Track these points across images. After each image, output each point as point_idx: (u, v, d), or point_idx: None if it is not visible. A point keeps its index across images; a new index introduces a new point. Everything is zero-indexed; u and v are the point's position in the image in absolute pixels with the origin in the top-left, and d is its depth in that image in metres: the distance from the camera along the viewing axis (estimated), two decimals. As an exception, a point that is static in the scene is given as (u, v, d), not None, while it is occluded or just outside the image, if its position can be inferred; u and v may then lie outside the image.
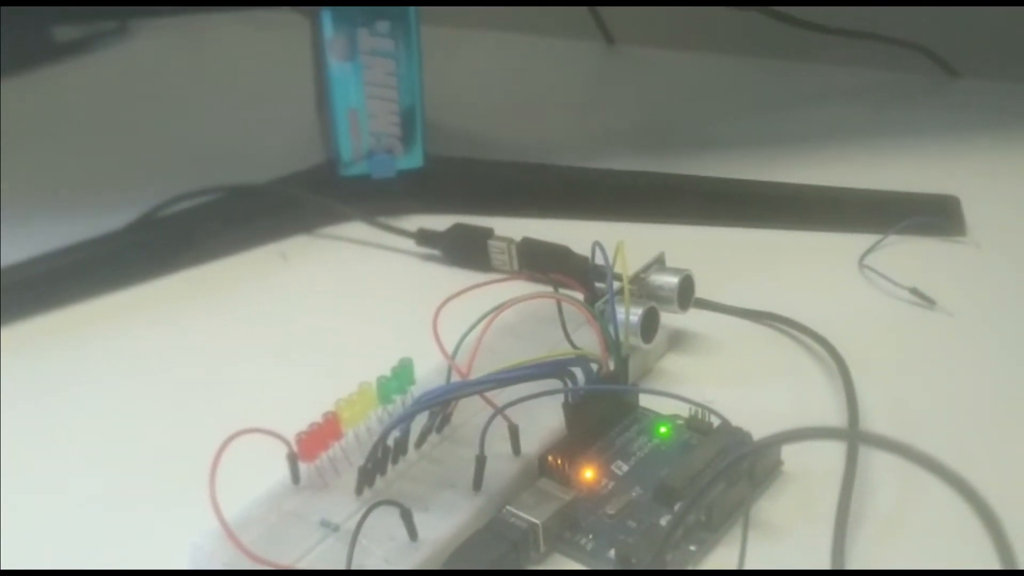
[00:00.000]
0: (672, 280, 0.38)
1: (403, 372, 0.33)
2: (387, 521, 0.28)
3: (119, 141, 0.65)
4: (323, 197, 0.51)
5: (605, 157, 0.54)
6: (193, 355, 0.42)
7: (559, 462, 0.31)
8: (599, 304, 0.36)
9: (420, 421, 0.31)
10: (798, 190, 0.49)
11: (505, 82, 0.73)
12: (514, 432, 0.31)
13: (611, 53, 0.77)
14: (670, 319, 0.38)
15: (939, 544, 0.29)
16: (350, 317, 0.44)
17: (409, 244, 0.48)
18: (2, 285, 0.45)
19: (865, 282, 0.43)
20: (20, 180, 0.58)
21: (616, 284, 0.36)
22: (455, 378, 0.33)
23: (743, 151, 0.57)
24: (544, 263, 0.43)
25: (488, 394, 0.31)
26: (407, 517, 0.28)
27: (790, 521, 0.30)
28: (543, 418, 0.32)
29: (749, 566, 0.28)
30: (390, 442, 0.30)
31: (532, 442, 0.32)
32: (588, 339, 0.35)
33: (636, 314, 0.36)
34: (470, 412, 0.32)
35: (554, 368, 0.31)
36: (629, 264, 0.36)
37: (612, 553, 0.29)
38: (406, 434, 0.31)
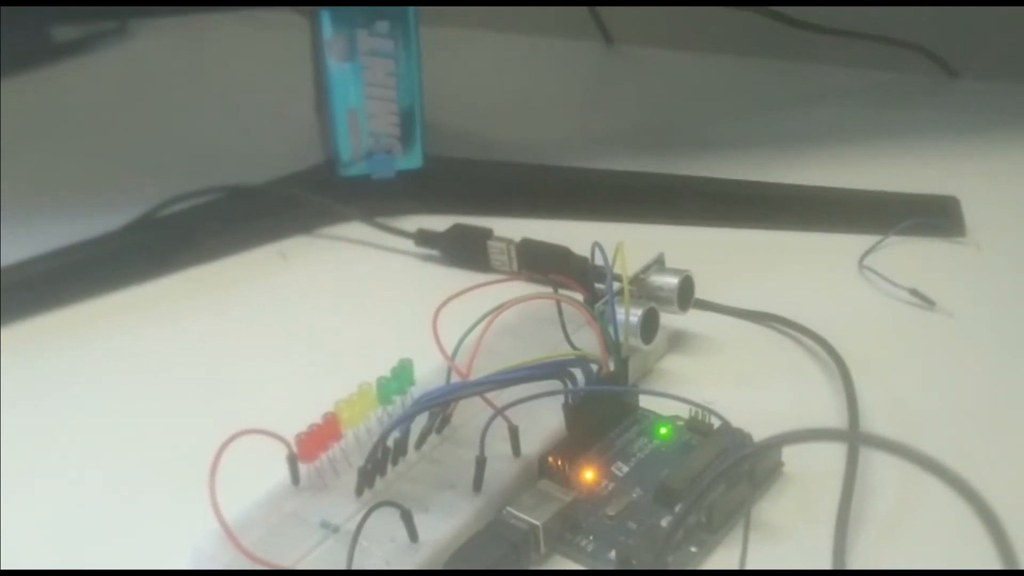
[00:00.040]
0: (672, 281, 0.38)
1: (403, 373, 0.32)
2: (387, 522, 0.28)
3: (119, 141, 0.65)
4: (322, 197, 0.51)
5: (605, 157, 0.54)
6: (193, 355, 0.42)
7: (559, 463, 0.31)
8: (599, 305, 0.36)
9: (420, 422, 0.31)
10: (798, 191, 0.49)
11: (505, 82, 0.73)
12: (514, 433, 0.31)
13: (611, 53, 0.77)
14: (670, 320, 0.38)
15: (940, 545, 0.29)
16: (350, 317, 0.44)
17: (408, 244, 0.48)
18: (2, 285, 0.45)
19: (865, 283, 0.43)
20: (20, 180, 0.58)
21: (616, 285, 0.36)
22: (455, 379, 0.33)
23: (743, 151, 0.57)
24: (544, 264, 0.43)
25: (488, 395, 0.31)
26: (407, 518, 0.28)
27: (791, 522, 0.30)
28: (543, 419, 0.32)
29: (750, 567, 0.28)
30: (390, 443, 0.30)
31: (532, 443, 0.32)
32: (588, 340, 0.35)
33: (636, 315, 0.36)
34: (470, 413, 0.32)
35: (554, 369, 0.31)
36: (629, 265, 0.36)
37: (612, 554, 0.29)
38: (406, 435, 0.31)
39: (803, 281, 0.44)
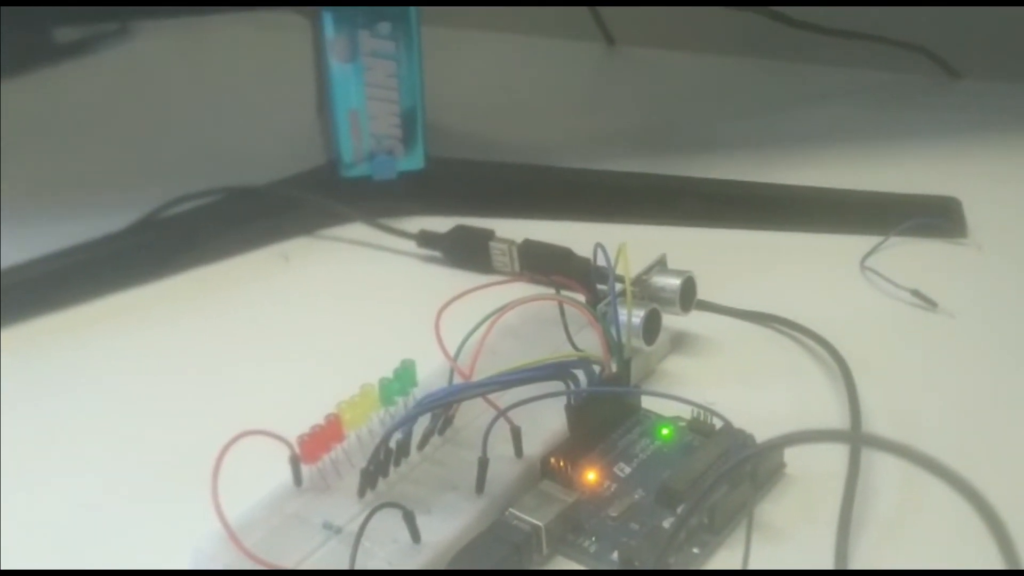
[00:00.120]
0: (674, 282, 0.38)
1: (405, 374, 0.32)
2: (389, 523, 0.28)
3: (120, 142, 0.65)
4: (324, 198, 0.51)
5: (606, 158, 0.54)
6: (194, 356, 0.42)
7: (561, 464, 0.31)
8: (601, 306, 0.36)
9: (422, 423, 0.31)
10: (799, 192, 0.49)
11: (506, 83, 0.73)
12: (516, 434, 0.31)
13: (611, 54, 0.77)
14: (672, 321, 0.38)
15: (942, 545, 0.29)
16: (351, 319, 0.44)
17: (410, 246, 0.48)
18: (3, 286, 0.45)
19: (867, 284, 0.43)
20: (20, 181, 0.58)
21: (618, 286, 0.36)
22: (457, 380, 0.33)
23: (744, 152, 0.57)
24: (546, 265, 0.43)
25: (490, 396, 0.31)
26: (410, 519, 0.28)
27: (793, 523, 0.30)
28: (545, 420, 0.32)
29: (752, 568, 0.28)
30: (392, 444, 0.30)
31: (534, 444, 0.32)
32: (590, 341, 0.35)
33: (638, 316, 0.36)
34: (472, 414, 0.32)
35: (556, 370, 0.31)
36: (631, 266, 0.36)
37: (615, 555, 0.29)
38: (408, 436, 0.31)
39: (805, 282, 0.44)
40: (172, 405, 0.39)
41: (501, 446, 0.31)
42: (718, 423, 0.32)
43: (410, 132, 0.51)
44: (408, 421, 0.30)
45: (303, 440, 0.30)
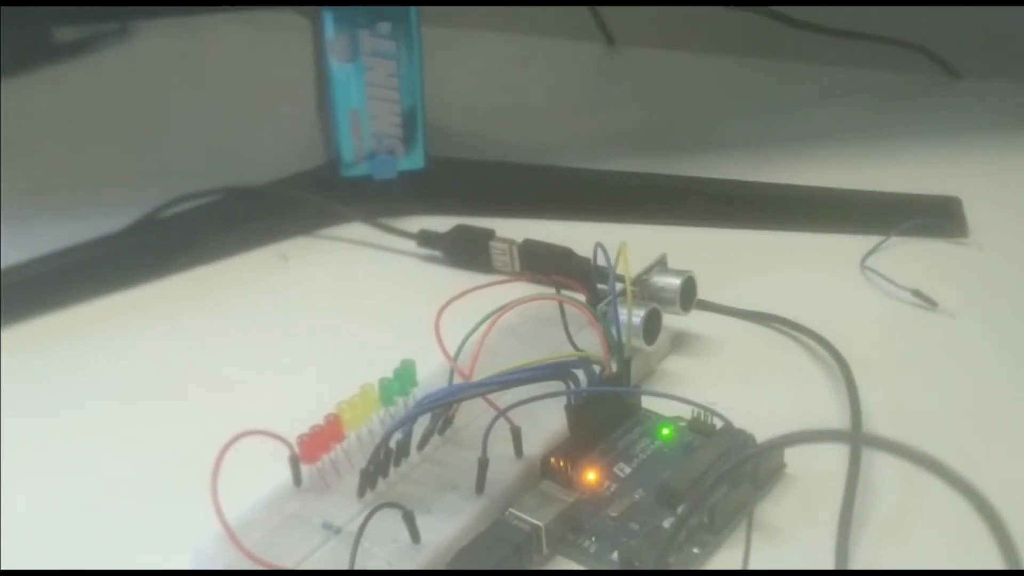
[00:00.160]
0: (674, 281, 0.38)
1: (405, 374, 0.32)
2: (389, 523, 0.28)
3: (119, 142, 0.65)
4: (324, 198, 0.51)
5: (606, 158, 0.54)
6: (194, 356, 0.42)
7: (562, 464, 0.31)
8: (601, 306, 0.36)
9: (422, 423, 0.31)
10: (799, 191, 0.49)
11: (506, 83, 0.73)
12: (516, 434, 0.31)
13: (612, 54, 0.77)
14: (672, 321, 0.38)
15: (943, 545, 0.29)
16: (351, 318, 0.44)
17: (410, 245, 0.48)
18: (2, 286, 0.45)
19: (867, 284, 0.43)
20: (20, 180, 0.58)
21: (618, 286, 0.36)
22: (457, 380, 0.33)
23: (744, 152, 0.57)
24: (546, 264, 0.43)
25: (490, 396, 0.31)
26: (409, 519, 0.28)
27: (793, 523, 0.30)
28: (545, 420, 0.32)
29: (752, 568, 0.28)
30: (392, 444, 0.30)
31: (534, 444, 0.32)
32: (590, 341, 0.35)
33: (638, 316, 0.36)
34: (472, 414, 0.32)
35: (556, 370, 0.31)
36: (631, 265, 0.36)
37: (615, 555, 0.29)
38: (408, 436, 0.31)
39: (805, 282, 0.44)
40: (172, 405, 0.39)
41: (501, 446, 0.31)
42: (718, 423, 0.32)
43: (410, 132, 0.51)
44: (408, 421, 0.30)
45: (303, 440, 0.30)
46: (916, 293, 0.41)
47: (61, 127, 0.69)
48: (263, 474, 0.30)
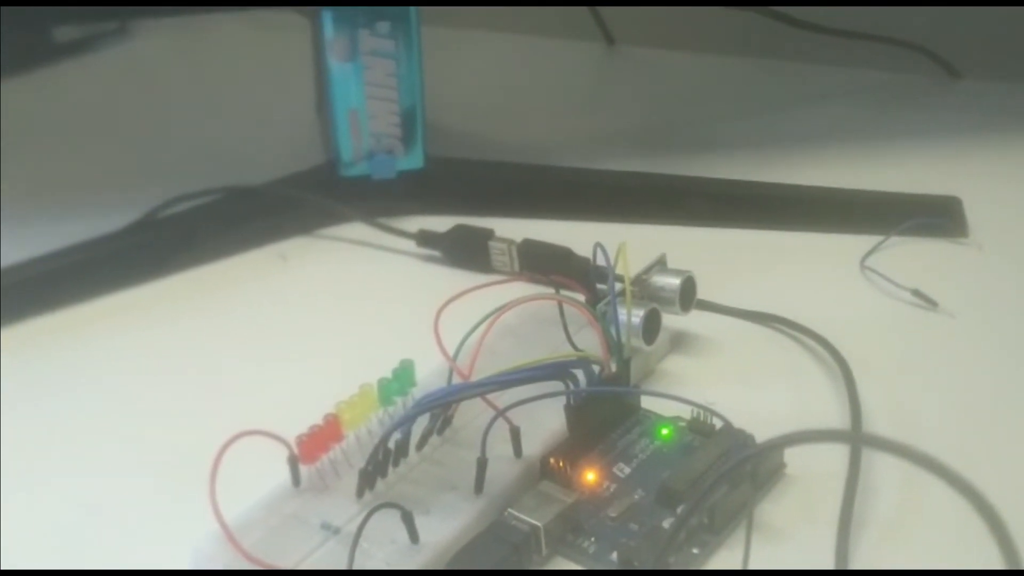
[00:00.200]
0: (674, 281, 0.38)
1: (404, 374, 0.32)
2: (388, 524, 0.28)
3: (119, 141, 0.65)
4: (323, 198, 0.51)
5: (606, 158, 0.54)
6: (193, 356, 0.42)
7: (561, 464, 0.31)
8: (601, 306, 0.36)
9: (421, 423, 0.31)
10: (799, 191, 0.49)
11: (506, 83, 0.73)
12: (515, 434, 0.31)
13: (611, 53, 0.77)
14: (672, 320, 0.38)
15: (943, 545, 0.29)
16: (350, 318, 0.44)
17: (409, 245, 0.48)
18: (2, 285, 0.45)
19: (867, 283, 0.43)
20: (20, 180, 0.58)
21: (618, 285, 0.35)
22: (456, 380, 0.33)
23: (744, 152, 0.57)
24: (545, 264, 0.43)
25: (489, 396, 0.31)
26: (408, 520, 0.28)
27: (793, 523, 0.30)
28: (545, 420, 0.32)
29: (752, 568, 0.27)
30: (391, 444, 0.30)
31: (534, 444, 0.32)
32: (590, 341, 0.35)
33: (638, 316, 0.36)
34: (471, 414, 0.32)
35: (556, 370, 0.31)
36: (631, 265, 0.36)
37: (614, 556, 0.29)
38: (407, 436, 0.31)
39: (805, 282, 0.44)
40: (171, 405, 0.39)
41: (500, 446, 0.31)
42: (718, 423, 0.32)
43: (410, 131, 0.50)
44: (407, 421, 0.30)
45: (302, 440, 0.30)
46: (916, 293, 0.41)
47: (61, 127, 0.69)
48: (262, 474, 0.30)
